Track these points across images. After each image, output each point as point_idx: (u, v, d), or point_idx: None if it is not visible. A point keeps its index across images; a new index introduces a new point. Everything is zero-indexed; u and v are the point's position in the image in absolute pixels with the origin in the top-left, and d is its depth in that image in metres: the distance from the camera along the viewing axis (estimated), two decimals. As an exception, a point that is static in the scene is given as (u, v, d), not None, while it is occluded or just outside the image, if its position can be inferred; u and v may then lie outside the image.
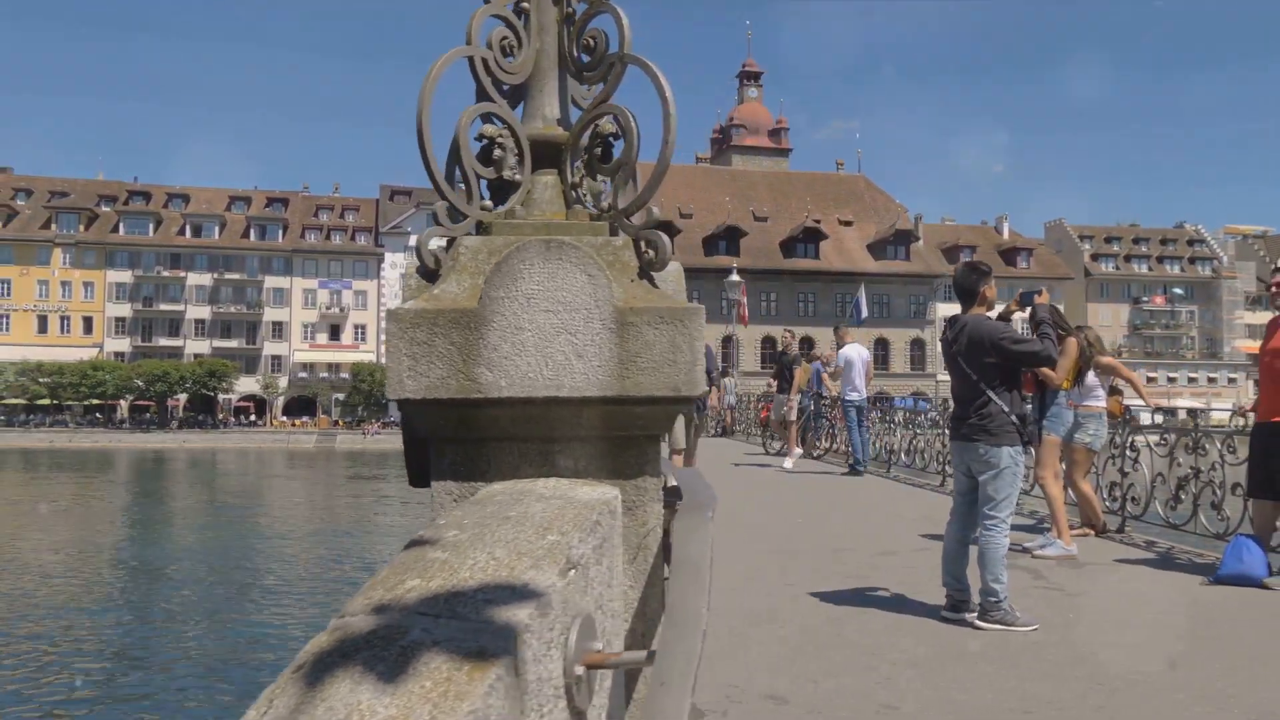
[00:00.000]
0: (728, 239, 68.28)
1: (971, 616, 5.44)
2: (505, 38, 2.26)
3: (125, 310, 77.29)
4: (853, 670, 4.64)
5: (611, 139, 2.25)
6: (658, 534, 2.10)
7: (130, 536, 28.04)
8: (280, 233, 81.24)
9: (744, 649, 5.06)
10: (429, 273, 2.16)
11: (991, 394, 5.39)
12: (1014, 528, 8.99)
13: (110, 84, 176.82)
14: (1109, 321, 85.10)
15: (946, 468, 12.37)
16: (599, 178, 2.31)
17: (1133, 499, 8.63)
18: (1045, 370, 7.85)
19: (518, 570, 1.42)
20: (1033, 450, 9.84)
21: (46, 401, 72.06)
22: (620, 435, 2.12)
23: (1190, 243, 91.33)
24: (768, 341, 67.91)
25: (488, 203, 2.26)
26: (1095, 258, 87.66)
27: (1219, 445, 7.70)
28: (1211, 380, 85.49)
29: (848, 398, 14.90)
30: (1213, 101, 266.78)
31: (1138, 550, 7.89)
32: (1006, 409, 5.37)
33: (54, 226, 76.20)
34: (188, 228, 79.74)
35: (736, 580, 6.81)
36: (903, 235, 72.07)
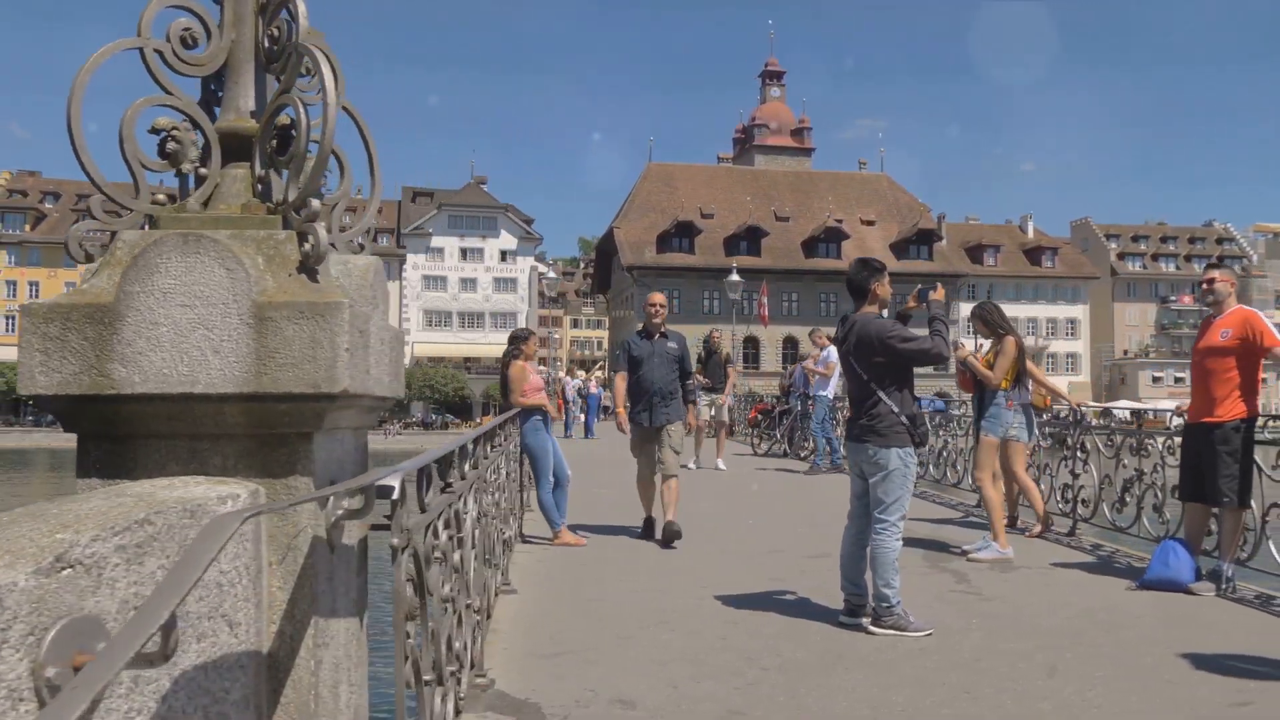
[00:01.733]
0: (749, 239, 67.96)
1: (866, 621, 5.34)
2: (188, 28, 2.22)
3: (151, 311, 78.27)
4: (720, 675, 4.55)
5: (292, 130, 2.20)
6: (309, 535, 2.05)
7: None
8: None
9: (623, 653, 4.99)
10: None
11: (882, 394, 5.26)
12: (970, 525, 8.92)
13: (133, 87, 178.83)
14: (1136, 321, 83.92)
15: (931, 469, 12.22)
16: (277, 170, 2.26)
17: (1083, 501, 8.46)
18: (983, 370, 7.74)
19: (-17, 570, 1.37)
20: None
21: (74, 401, 73.12)
22: (268, 433, 2.07)
23: (1219, 241, 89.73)
24: (789, 342, 67.55)
25: (160, 196, 2.22)
26: (1122, 257, 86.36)
27: (1160, 446, 7.51)
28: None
29: (832, 394, 14.87)
30: (1242, 98, 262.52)
31: (1080, 554, 7.72)
32: (896, 409, 5.24)
33: (82, 229, 77.42)
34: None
35: (653, 582, 6.74)
36: (925, 235, 71.36)
